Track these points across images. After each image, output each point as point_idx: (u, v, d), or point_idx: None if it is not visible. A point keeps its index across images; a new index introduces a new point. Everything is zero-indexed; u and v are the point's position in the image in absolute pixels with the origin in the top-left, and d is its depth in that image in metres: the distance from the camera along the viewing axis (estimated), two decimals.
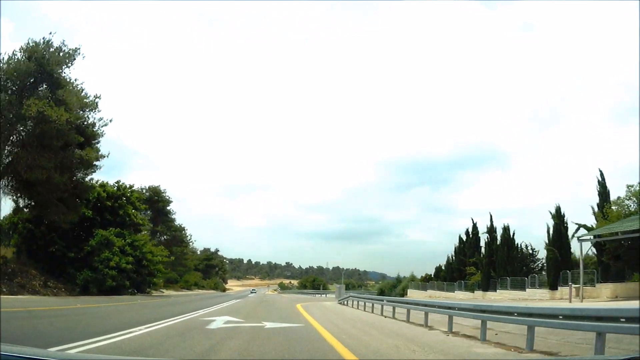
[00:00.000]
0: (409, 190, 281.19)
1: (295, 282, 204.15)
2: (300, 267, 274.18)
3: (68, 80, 25.89)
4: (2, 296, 18.10)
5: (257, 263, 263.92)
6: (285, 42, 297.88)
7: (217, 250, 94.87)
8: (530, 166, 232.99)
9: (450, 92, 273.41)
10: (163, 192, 47.25)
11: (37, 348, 3.38)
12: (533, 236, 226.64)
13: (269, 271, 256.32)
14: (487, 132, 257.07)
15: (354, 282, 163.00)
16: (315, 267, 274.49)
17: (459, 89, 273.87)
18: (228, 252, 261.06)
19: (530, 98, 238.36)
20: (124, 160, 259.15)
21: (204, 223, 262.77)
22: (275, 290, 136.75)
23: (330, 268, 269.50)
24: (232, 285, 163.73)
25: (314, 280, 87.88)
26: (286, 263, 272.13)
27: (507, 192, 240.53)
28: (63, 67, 25.50)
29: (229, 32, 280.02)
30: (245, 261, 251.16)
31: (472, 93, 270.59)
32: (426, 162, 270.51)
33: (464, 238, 43.63)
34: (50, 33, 25.24)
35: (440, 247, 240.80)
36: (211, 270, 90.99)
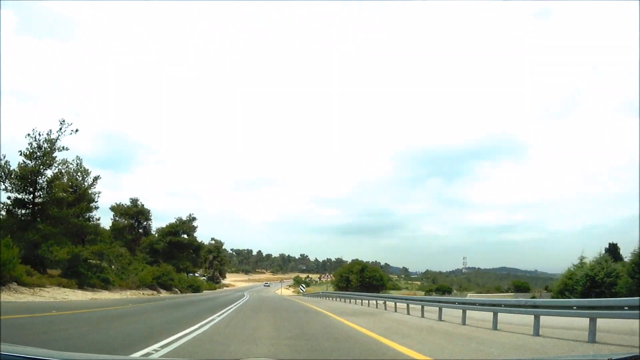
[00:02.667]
0: (423, 183, 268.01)
1: (314, 277, 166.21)
2: (316, 259, 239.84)
3: None
4: None
5: (268, 255, 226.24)
6: (300, 35, 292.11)
7: (192, 219, 56.06)
8: (546, 158, 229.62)
9: (465, 83, 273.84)
10: None
11: (38, 348, 2.80)
12: (548, 231, 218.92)
13: (281, 264, 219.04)
14: (502, 123, 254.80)
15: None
16: (334, 260, 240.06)
17: (474, 80, 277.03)
18: (238, 245, 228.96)
19: (546, 88, 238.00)
20: (131, 154, 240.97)
21: (214, 217, 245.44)
22: (291, 287, 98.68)
23: (349, 261, 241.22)
24: (235, 279, 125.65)
25: (362, 270, 47.63)
26: (301, 255, 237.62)
27: (522, 185, 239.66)
28: None
29: (241, 25, 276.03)
30: (254, 252, 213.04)
31: (487, 83, 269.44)
32: (441, 153, 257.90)
33: None
34: None
35: (454, 242, 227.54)
36: (182, 254, 52.72)
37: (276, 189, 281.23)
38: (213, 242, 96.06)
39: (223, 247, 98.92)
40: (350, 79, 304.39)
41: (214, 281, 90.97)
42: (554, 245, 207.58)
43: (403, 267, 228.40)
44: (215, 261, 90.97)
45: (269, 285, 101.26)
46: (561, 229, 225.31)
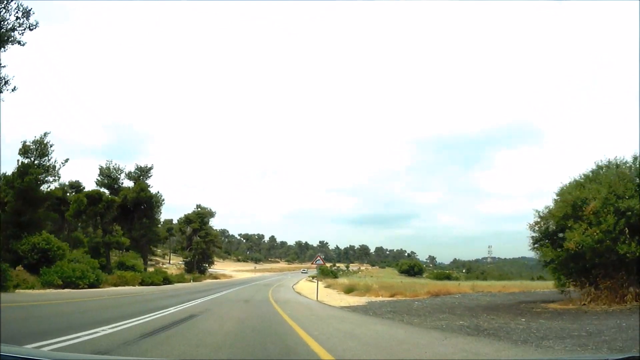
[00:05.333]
0: (439, 171, 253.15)
1: (340, 265, 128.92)
2: (337, 247, 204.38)
3: None
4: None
5: (283, 243, 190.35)
6: (316, 23, 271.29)
7: None
8: (562, 145, 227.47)
9: (481, 69, 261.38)
10: None
11: (38, 349, 2.83)
12: None
13: (298, 252, 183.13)
14: (521, 108, 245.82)
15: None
16: (357, 247, 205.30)
17: (490, 66, 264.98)
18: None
19: (564, 72, 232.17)
20: (135, 145, 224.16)
21: (225, 208, 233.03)
22: (315, 278, 62.87)
23: (373, 250, 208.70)
24: (239, 269, 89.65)
25: None
26: (320, 242, 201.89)
27: (539, 173, 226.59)
28: None
29: (254, 9, 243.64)
30: (267, 239, 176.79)
31: (504, 69, 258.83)
32: (457, 140, 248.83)
33: None
34: None
35: (469, 231, 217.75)
36: None
37: (289, 178, 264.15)
38: (199, 209, 59.66)
39: (213, 221, 61.62)
40: (366, 67, 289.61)
41: (197, 269, 54.78)
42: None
43: (430, 256, 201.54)
44: (196, 237, 54.37)
45: (306, 272, 74.41)
46: None
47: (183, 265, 57.10)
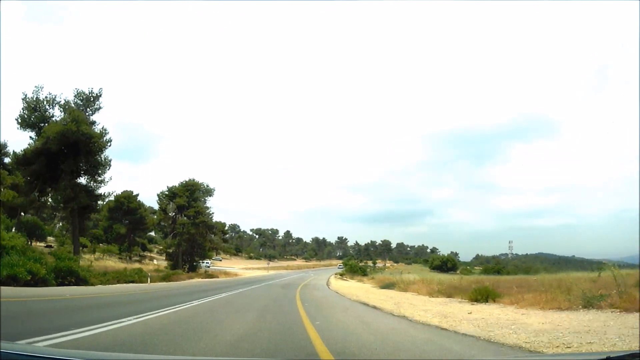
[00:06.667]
0: (451, 167, 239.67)
1: (369, 262, 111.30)
2: (357, 243, 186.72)
3: None
4: None
5: (299, 239, 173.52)
6: (326, 19, 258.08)
7: None
8: (576, 139, 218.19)
9: (493, 62, 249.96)
10: None
11: (39, 346, 2.79)
12: (578, 216, 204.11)
13: (316, 249, 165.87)
14: (534, 100, 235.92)
15: None
16: (380, 242, 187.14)
17: (503, 58, 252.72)
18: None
19: (577, 62, 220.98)
20: (146, 144, 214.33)
21: (237, 206, 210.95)
22: (344, 276, 46.34)
23: (394, 245, 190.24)
24: (250, 266, 72.85)
25: None
26: (338, 238, 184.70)
27: (552, 168, 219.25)
28: None
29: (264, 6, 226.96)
30: (281, 234, 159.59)
31: (517, 61, 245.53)
32: (469, 134, 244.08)
33: None
34: None
35: (483, 228, 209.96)
36: None
37: (301, 176, 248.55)
38: (188, 180, 42.62)
39: (211, 201, 44.67)
40: (379, 63, 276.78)
41: (188, 263, 37.92)
42: (585, 230, 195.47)
43: (452, 252, 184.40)
44: (181, 217, 37.27)
45: (342, 268, 66.77)
46: (591, 213, 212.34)
47: (165, 258, 40.24)
